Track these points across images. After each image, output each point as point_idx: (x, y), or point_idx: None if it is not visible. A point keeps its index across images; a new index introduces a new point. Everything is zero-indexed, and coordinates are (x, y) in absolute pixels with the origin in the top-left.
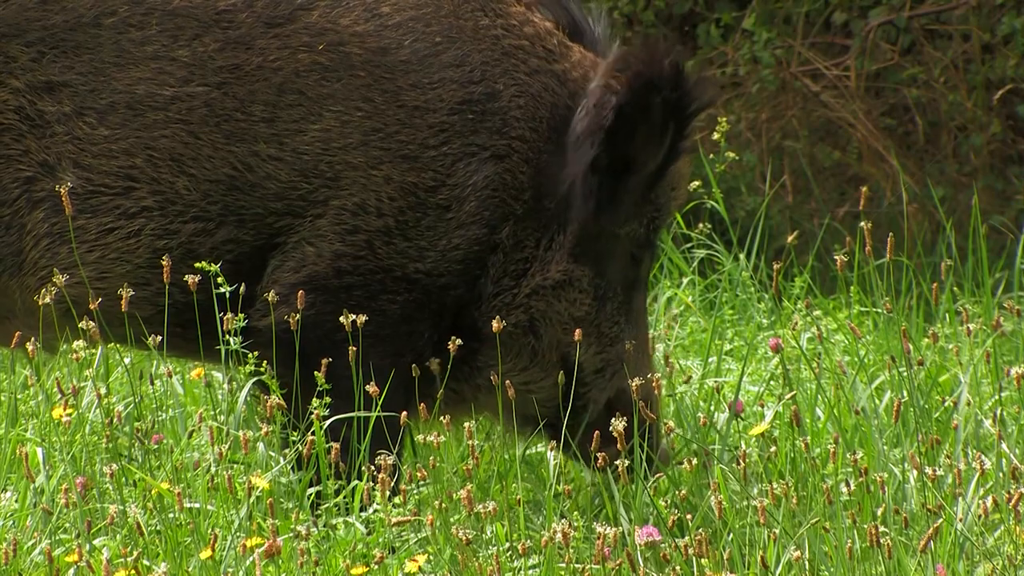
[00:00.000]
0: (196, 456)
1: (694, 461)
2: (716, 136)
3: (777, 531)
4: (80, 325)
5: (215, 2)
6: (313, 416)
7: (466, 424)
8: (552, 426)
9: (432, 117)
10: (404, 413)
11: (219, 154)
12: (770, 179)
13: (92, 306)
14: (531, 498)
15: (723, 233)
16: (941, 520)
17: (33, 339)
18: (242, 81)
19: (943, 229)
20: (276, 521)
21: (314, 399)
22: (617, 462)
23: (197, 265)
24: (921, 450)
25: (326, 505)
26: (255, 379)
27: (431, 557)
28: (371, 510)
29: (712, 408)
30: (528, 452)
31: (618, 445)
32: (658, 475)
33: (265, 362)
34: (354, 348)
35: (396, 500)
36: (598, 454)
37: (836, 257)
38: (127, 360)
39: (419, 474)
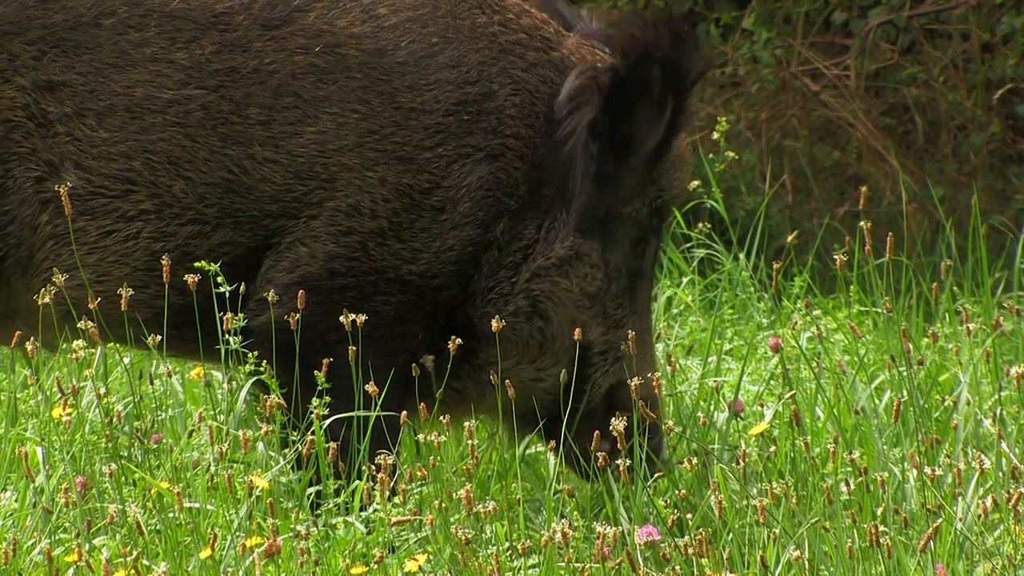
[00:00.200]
0: (196, 456)
1: (694, 461)
2: (716, 135)
3: (777, 531)
4: (79, 325)
5: (213, 4)
6: (312, 416)
7: (466, 424)
8: (554, 421)
9: (428, 119)
10: (404, 413)
11: (215, 157)
12: (770, 178)
13: (92, 306)
14: (531, 497)
15: (723, 233)
16: (941, 520)
17: (32, 339)
18: (238, 84)
19: (943, 229)
20: (276, 521)
21: (314, 399)
22: (617, 461)
23: (197, 265)
24: (921, 450)
25: (326, 505)
26: (255, 379)
27: (431, 557)
28: (371, 510)
29: (712, 408)
30: (528, 451)
31: (618, 444)
32: (658, 475)
33: (265, 362)
34: (349, 348)
35: (396, 500)
36: (598, 453)
37: (836, 257)
38: (127, 360)
39: (419, 473)
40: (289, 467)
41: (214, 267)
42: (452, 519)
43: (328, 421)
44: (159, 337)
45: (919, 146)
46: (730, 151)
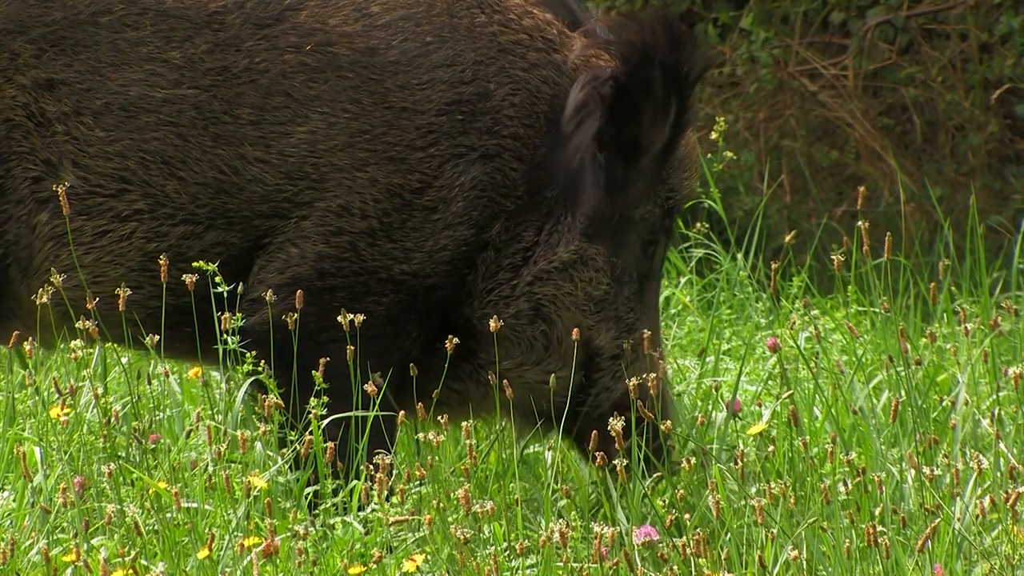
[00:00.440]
0: (194, 455)
1: (692, 460)
2: (714, 136)
3: (775, 531)
4: (77, 325)
5: (207, 3)
6: (310, 416)
7: (464, 424)
8: (571, 420)
9: (420, 119)
10: (402, 413)
11: (207, 157)
12: (768, 179)
13: (90, 305)
14: (529, 497)
15: (721, 233)
16: (939, 520)
17: (30, 339)
18: (230, 83)
19: (941, 229)
20: (274, 521)
21: (311, 399)
22: (622, 461)
23: (195, 265)
24: (919, 450)
25: (324, 505)
26: (252, 379)
27: (429, 557)
28: (369, 509)
29: (710, 407)
30: (526, 452)
31: (616, 444)
32: (656, 475)
33: (263, 362)
34: (347, 348)
35: (394, 500)
36: (599, 454)
37: (834, 257)
38: (124, 360)
39: (417, 473)
40: (287, 467)
41: (212, 267)
42: (450, 519)
43: (325, 422)
44: (156, 337)
45: (917, 146)
46: (728, 151)
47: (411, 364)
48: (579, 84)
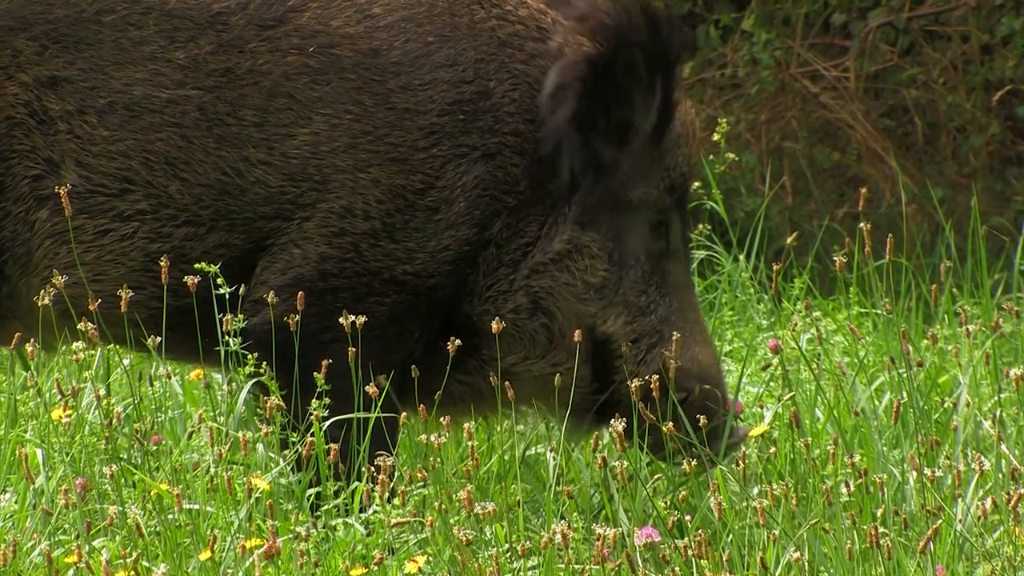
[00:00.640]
0: (195, 457)
1: (694, 462)
2: (716, 137)
3: (777, 532)
4: (79, 326)
5: (211, 3)
6: (311, 417)
7: (466, 425)
8: (600, 412)
9: (422, 119)
10: (404, 414)
11: (210, 158)
12: (769, 180)
13: (92, 307)
14: (530, 499)
15: (723, 234)
16: (941, 521)
17: (32, 340)
18: (233, 84)
19: (942, 230)
20: (275, 522)
21: (313, 400)
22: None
23: (197, 266)
24: (920, 451)
25: (326, 506)
26: (254, 380)
27: (431, 558)
28: (370, 511)
29: None
30: (527, 453)
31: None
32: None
33: (264, 363)
34: (348, 349)
35: (396, 501)
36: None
37: (835, 258)
38: (126, 361)
39: (419, 475)
40: (289, 468)
41: (213, 268)
42: (452, 520)
43: (327, 423)
44: (158, 338)
45: (919, 148)
46: (730, 153)
47: (413, 365)
48: (554, 69)
